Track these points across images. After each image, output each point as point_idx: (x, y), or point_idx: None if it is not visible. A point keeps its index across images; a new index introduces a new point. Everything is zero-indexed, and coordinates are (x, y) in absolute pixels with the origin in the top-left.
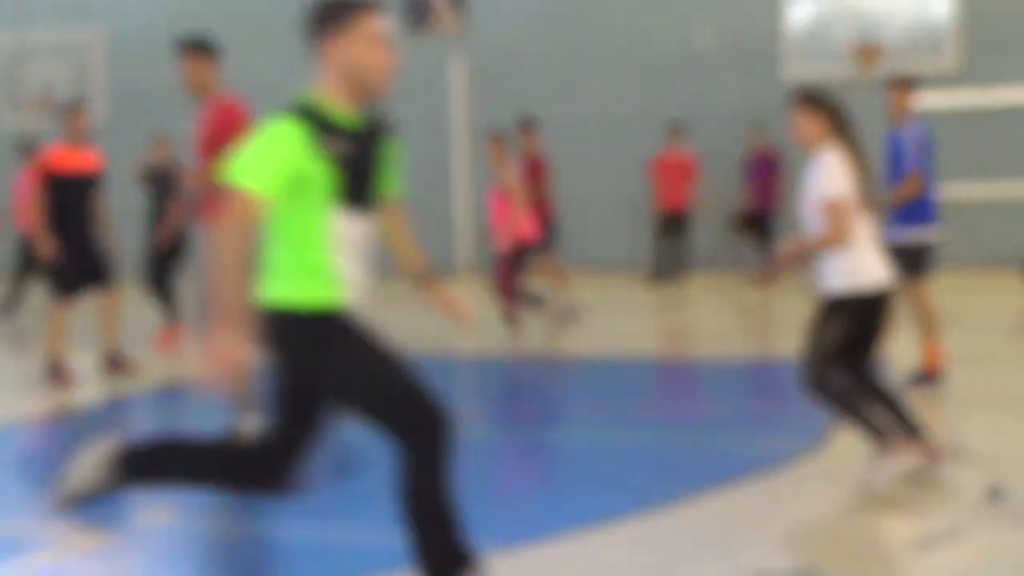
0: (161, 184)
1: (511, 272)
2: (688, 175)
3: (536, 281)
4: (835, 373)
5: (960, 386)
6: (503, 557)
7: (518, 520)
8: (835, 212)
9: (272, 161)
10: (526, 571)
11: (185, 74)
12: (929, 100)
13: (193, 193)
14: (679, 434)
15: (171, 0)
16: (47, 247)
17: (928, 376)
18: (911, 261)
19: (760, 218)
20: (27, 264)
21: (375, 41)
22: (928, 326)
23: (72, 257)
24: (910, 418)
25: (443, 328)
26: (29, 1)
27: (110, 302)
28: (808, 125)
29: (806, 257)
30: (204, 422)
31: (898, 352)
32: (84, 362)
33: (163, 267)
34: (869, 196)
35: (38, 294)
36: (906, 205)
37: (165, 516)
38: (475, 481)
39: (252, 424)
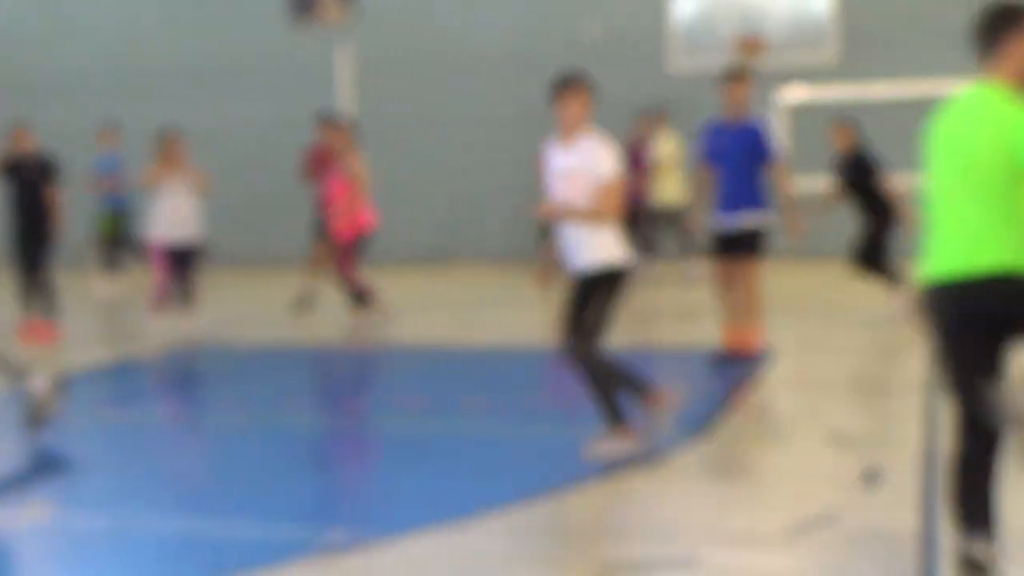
0: (31, 173)
1: (350, 259)
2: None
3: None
4: (599, 348)
5: (833, 373)
6: (383, 547)
7: (398, 510)
8: (610, 191)
9: None
10: (406, 560)
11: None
12: (809, 93)
13: None
14: (563, 425)
15: None
16: None
17: (741, 356)
18: (749, 244)
19: (640, 209)
20: None
21: None
22: (756, 309)
23: None
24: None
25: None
26: None
27: None
28: (577, 109)
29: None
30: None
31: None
32: None
33: (35, 258)
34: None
35: None
36: (741, 192)
37: (42, 512)
38: (354, 471)
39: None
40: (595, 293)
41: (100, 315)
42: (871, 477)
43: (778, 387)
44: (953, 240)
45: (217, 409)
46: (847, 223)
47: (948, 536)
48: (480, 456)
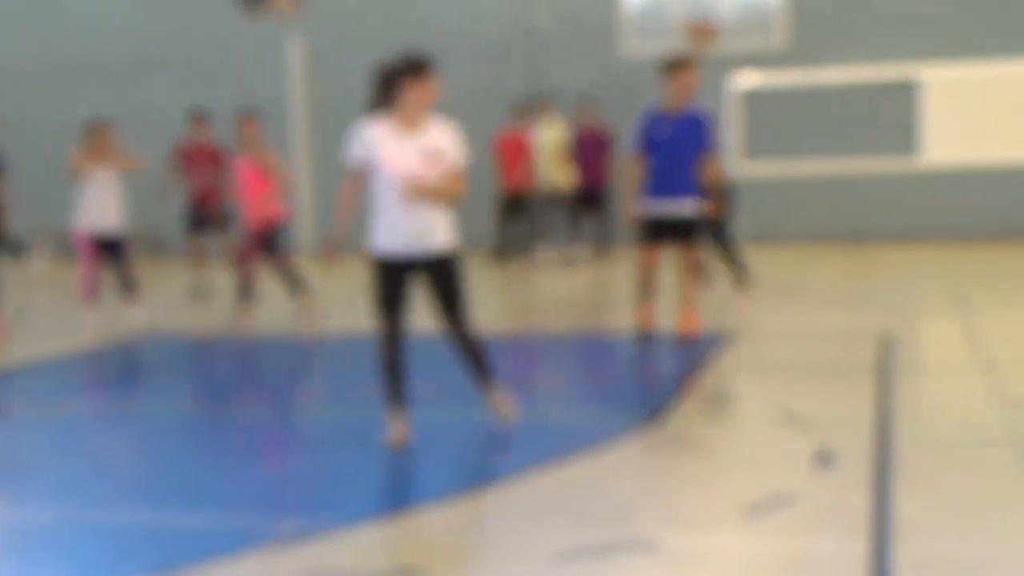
0: None
1: (252, 250)
2: (530, 155)
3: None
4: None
5: (788, 355)
6: (335, 536)
7: (350, 499)
8: (459, 175)
9: None
10: (357, 549)
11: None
12: (760, 79)
13: None
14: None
15: None
16: None
17: (690, 338)
18: (688, 231)
19: (594, 196)
20: None
21: None
22: (696, 291)
23: None
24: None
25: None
26: None
27: None
28: (436, 92)
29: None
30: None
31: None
32: None
33: None
34: None
35: None
36: (681, 180)
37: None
38: (304, 461)
39: None
40: (453, 272)
41: (34, 308)
42: (824, 459)
43: (732, 370)
44: None
45: (163, 400)
46: (807, 207)
47: (901, 515)
48: (430, 444)
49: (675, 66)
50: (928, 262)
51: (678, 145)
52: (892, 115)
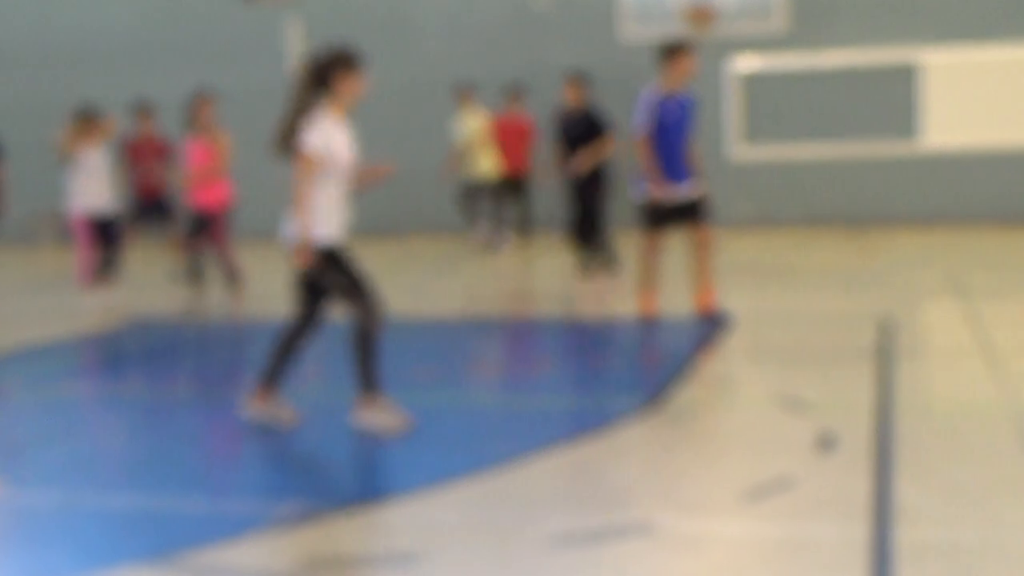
0: None
1: (198, 231)
2: (527, 138)
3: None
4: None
5: (788, 339)
6: (336, 519)
7: (351, 482)
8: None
9: None
10: (358, 533)
11: None
12: (760, 63)
13: None
14: (514, 395)
15: None
16: None
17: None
18: (704, 211)
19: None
20: None
21: None
22: (709, 273)
23: None
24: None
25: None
26: None
27: None
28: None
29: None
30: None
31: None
32: None
33: None
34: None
35: None
36: (684, 162)
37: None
38: (306, 444)
39: None
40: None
41: (31, 292)
42: (825, 443)
43: (732, 354)
44: None
45: (162, 384)
46: (807, 191)
47: (902, 499)
48: (432, 427)
49: (677, 50)
50: (928, 246)
51: (682, 128)
52: (892, 98)
